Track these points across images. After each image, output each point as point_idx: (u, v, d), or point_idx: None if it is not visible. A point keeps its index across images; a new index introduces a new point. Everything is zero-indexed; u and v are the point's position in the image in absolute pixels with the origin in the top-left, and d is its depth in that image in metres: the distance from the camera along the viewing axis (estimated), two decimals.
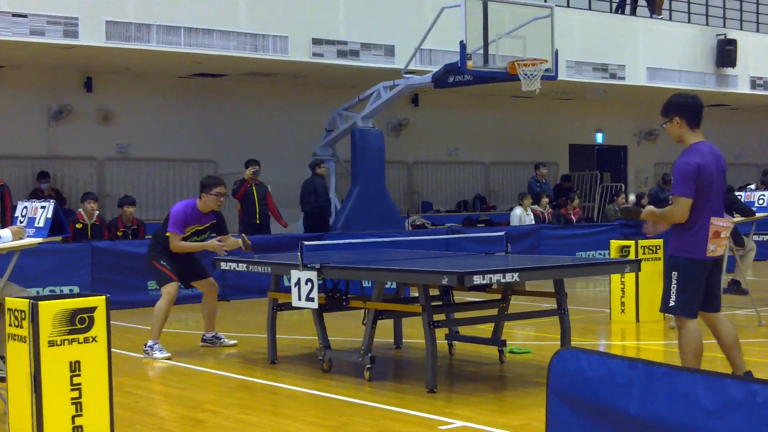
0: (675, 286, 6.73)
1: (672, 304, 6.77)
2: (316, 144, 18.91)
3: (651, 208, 7.07)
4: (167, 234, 10.01)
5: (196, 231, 10.12)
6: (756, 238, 12.54)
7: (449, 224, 19.93)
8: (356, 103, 18.35)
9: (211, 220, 10.18)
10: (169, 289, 9.98)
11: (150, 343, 9.90)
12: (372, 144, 17.91)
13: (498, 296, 9.04)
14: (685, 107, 6.80)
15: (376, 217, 17.27)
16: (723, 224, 6.77)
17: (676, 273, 6.74)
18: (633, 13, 23.64)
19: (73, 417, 5.75)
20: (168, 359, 9.71)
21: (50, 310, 5.72)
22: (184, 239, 10.05)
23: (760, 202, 11.90)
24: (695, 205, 6.66)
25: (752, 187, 19.42)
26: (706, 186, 6.70)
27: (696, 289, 6.79)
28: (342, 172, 19.44)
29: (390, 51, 18.44)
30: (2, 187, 14.63)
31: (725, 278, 11.06)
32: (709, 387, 3.44)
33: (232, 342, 10.50)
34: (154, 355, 9.79)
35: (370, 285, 8.99)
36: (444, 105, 22.79)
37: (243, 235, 10.50)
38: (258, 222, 16.27)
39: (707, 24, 25.07)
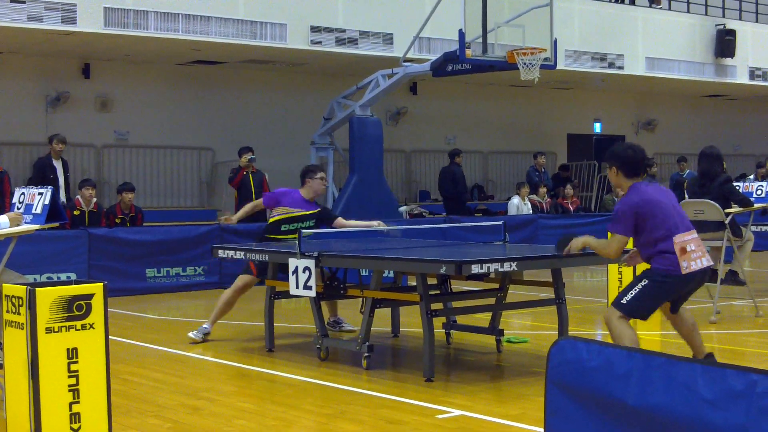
0: (638, 291, 6.89)
1: (624, 302, 6.91)
2: (315, 132, 18.89)
3: (586, 238, 7.24)
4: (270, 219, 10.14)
5: (301, 216, 9.97)
6: (754, 228, 12.52)
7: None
8: (354, 92, 18.33)
9: (315, 209, 10.10)
10: (238, 281, 10.01)
11: (205, 324, 10.03)
12: (370, 132, 17.88)
13: (496, 285, 9.04)
14: (624, 159, 7.03)
15: (374, 206, 17.24)
16: (686, 238, 6.90)
17: (646, 281, 6.90)
18: (632, 2, 23.63)
19: (71, 404, 5.73)
20: (195, 343, 9.78)
21: (48, 297, 5.70)
22: (283, 221, 10.01)
23: (758, 192, 11.89)
24: (656, 232, 6.85)
25: (751, 177, 19.43)
26: (657, 213, 6.88)
27: (657, 304, 7.05)
28: (340, 160, 19.42)
29: (389, 39, 18.41)
30: (2, 173, 14.65)
31: (723, 269, 11.06)
32: (709, 377, 3.43)
33: (350, 327, 10.37)
34: (191, 333, 9.92)
35: (367, 273, 8.98)
36: (442, 94, 22.76)
37: (380, 222, 10.33)
38: None
39: (706, 14, 25.06)
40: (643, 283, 6.88)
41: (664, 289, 6.90)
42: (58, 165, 15.35)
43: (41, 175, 15.20)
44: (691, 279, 6.90)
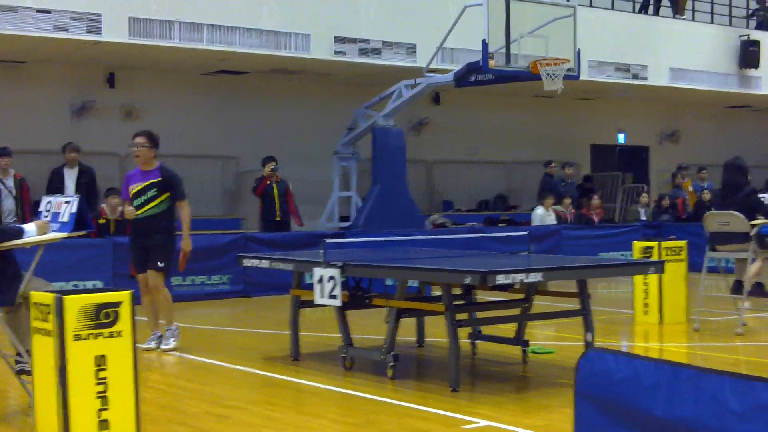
0: None
1: None
2: (338, 142, 18.93)
3: None
4: None
5: (139, 190, 10.05)
6: None
7: (470, 223, 19.90)
8: (377, 102, 18.36)
9: (154, 178, 10.11)
10: (141, 285, 10.12)
11: (156, 332, 10.06)
12: (393, 142, 17.91)
13: (521, 296, 9.03)
14: None
15: (397, 216, 17.26)
16: None
17: None
18: (656, 13, 23.56)
19: (99, 411, 5.77)
20: (173, 350, 9.86)
21: (76, 305, 5.74)
22: (132, 198, 10.06)
23: None
24: None
25: None
26: None
27: None
28: (363, 170, 19.45)
29: (412, 49, 18.43)
30: (20, 180, 14.69)
31: (749, 281, 11.01)
32: (737, 389, 3.42)
33: (171, 345, 10.02)
34: (167, 345, 9.99)
35: (392, 283, 9.00)
36: (465, 104, 22.76)
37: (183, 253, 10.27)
38: (278, 219, 16.32)
39: (730, 24, 24.97)
40: None
41: None
42: (69, 174, 15.19)
43: (51, 185, 15.13)
44: None
